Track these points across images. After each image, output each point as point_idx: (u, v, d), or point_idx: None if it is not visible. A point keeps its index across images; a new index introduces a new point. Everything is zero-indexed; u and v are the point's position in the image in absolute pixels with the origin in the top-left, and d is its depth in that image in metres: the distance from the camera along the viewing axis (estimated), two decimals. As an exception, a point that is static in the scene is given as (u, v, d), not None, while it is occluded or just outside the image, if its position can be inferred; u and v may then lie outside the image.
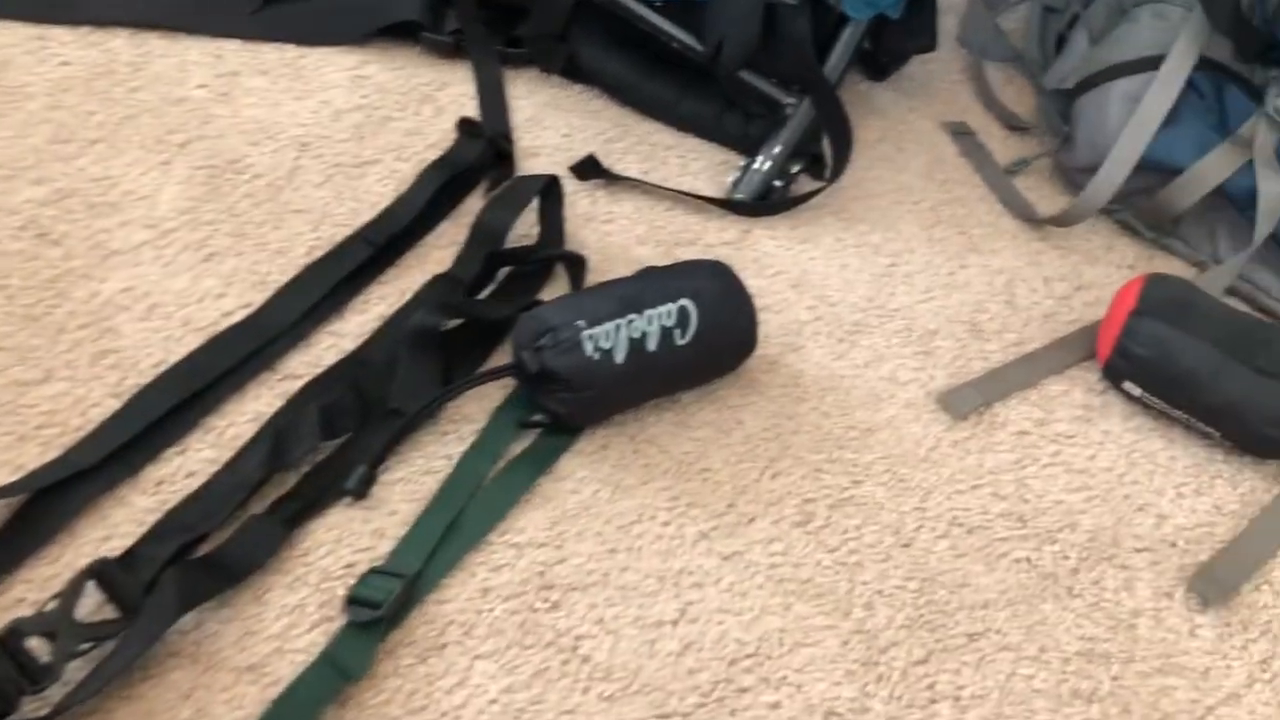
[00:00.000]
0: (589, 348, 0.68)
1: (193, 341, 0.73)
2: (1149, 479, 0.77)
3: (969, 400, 0.79)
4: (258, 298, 0.77)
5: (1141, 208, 0.93)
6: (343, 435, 0.70)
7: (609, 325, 0.69)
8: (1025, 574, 0.71)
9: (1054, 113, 1.00)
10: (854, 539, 0.71)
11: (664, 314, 0.70)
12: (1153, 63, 0.89)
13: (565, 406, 0.70)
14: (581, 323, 0.68)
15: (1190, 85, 0.89)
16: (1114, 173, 0.89)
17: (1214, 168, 0.87)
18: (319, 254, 0.80)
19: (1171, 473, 0.78)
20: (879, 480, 0.74)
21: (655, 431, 0.74)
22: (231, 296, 0.77)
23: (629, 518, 0.69)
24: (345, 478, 0.68)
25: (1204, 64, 0.88)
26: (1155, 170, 0.90)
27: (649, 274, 0.75)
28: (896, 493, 0.74)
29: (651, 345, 0.69)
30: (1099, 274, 0.92)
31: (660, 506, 0.70)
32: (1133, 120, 0.88)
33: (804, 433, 0.76)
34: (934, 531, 0.72)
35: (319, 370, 0.74)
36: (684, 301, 0.71)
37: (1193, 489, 0.77)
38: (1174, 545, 0.73)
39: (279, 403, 0.71)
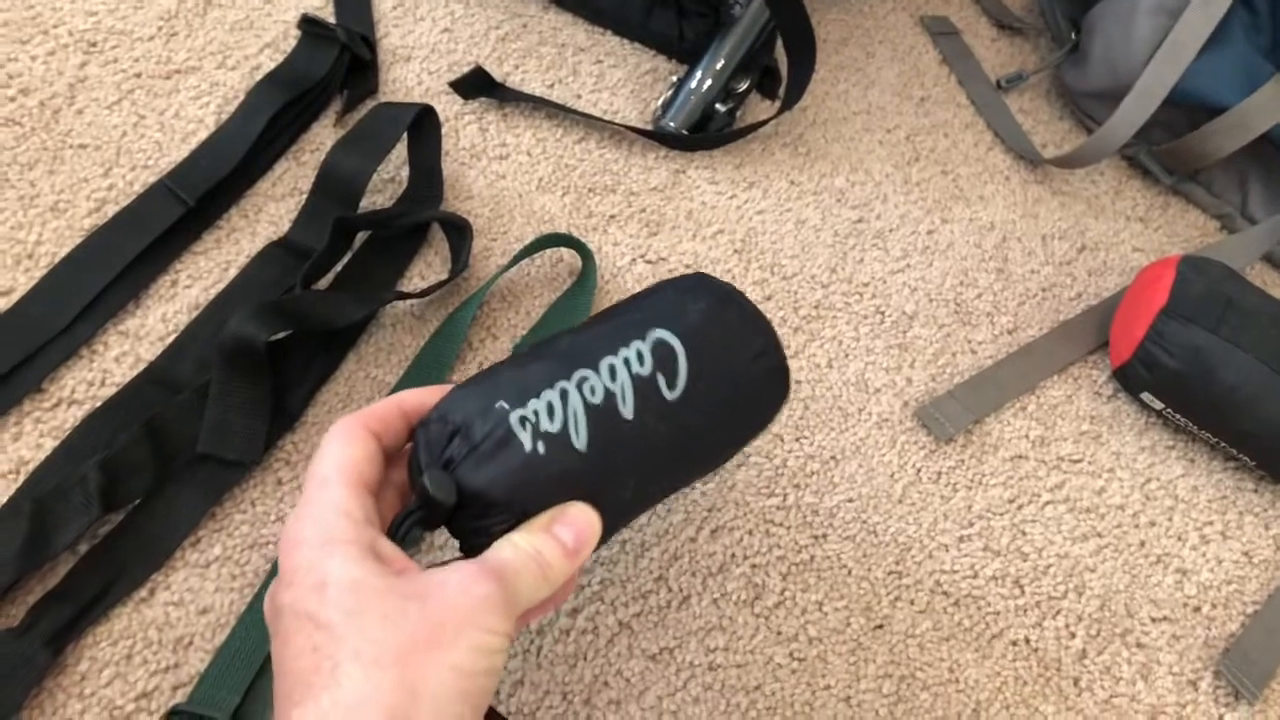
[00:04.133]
0: (525, 437, 0.37)
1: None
2: (1168, 519, 0.63)
3: (955, 416, 0.63)
4: (21, 279, 0.56)
5: (1164, 150, 0.75)
6: (132, 501, 0.51)
7: (549, 395, 0.39)
8: (1024, 662, 0.56)
9: (1058, 14, 0.81)
10: (815, 622, 0.55)
11: (631, 358, 0.40)
12: (1194, -37, 0.70)
13: None
14: (503, 403, 0.38)
15: (1243, -4, 0.71)
16: (1138, 109, 0.71)
17: (1264, 108, 0.69)
18: (110, 212, 0.59)
19: (1194, 508, 0.63)
20: (845, 533, 0.58)
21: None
22: (-18, 277, 0.56)
23: (526, 605, 0.53)
24: (135, 562, 0.50)
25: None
26: (1188, 105, 0.72)
27: (587, 323, 0.44)
28: (866, 550, 0.58)
29: (626, 409, 0.39)
30: (1105, 230, 0.75)
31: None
32: (1167, 42, 0.70)
33: (751, 466, 0.59)
34: (913, 605, 0.57)
35: (106, 392, 0.54)
36: (657, 333, 0.41)
37: (1218, 530, 0.63)
38: (1198, 610, 0.60)
39: (48, 444, 0.52)
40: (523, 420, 0.38)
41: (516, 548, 0.36)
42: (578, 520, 0.38)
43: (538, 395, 0.38)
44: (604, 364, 0.40)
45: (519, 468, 0.37)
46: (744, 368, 0.43)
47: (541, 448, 0.38)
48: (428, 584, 0.33)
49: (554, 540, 0.37)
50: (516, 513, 0.37)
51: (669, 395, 0.40)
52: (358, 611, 0.32)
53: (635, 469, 0.41)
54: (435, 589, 0.33)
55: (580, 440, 0.38)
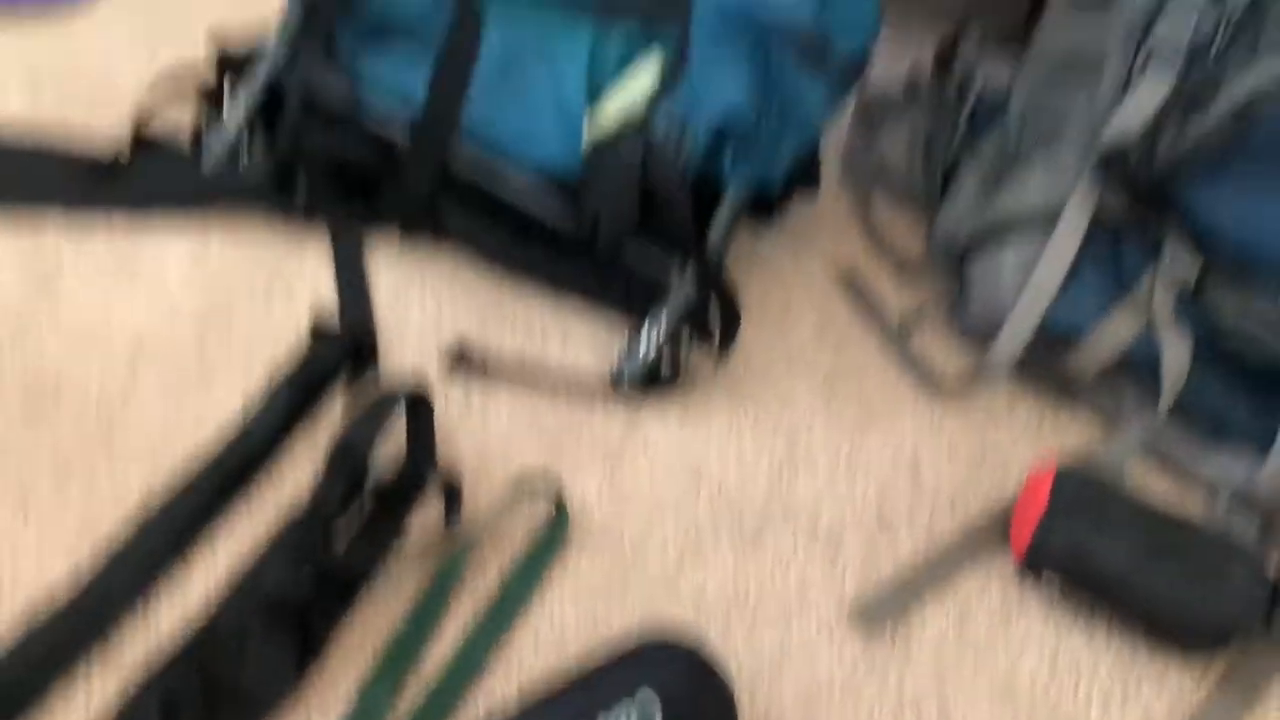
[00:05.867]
0: None
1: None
2: (1074, 688, 0.72)
3: (883, 611, 0.74)
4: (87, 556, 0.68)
5: (1042, 378, 0.89)
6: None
7: None
8: (956, 824, 0.65)
9: (944, 261, 0.96)
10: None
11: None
12: (1046, 217, 0.86)
13: None
14: None
15: (1088, 238, 0.85)
16: (1011, 343, 0.85)
17: (1114, 333, 0.83)
18: (159, 492, 0.71)
19: (1096, 677, 0.73)
20: (794, 722, 0.68)
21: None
22: (57, 556, 0.67)
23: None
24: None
25: (1099, 222, 0.85)
26: (1057, 334, 0.86)
27: (590, 676, 0.58)
28: (813, 736, 0.68)
29: None
30: (1003, 438, 0.88)
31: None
32: (1028, 287, 0.84)
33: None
34: (858, 781, 0.66)
35: (160, 651, 0.65)
36: (644, 692, 0.55)
37: (1119, 696, 0.72)
38: (1106, 769, 0.69)
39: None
40: None
41: None
42: None
43: None
44: None
45: None
46: None
47: None
48: None
49: None
50: None
51: None
52: None
53: None
54: None
55: None
